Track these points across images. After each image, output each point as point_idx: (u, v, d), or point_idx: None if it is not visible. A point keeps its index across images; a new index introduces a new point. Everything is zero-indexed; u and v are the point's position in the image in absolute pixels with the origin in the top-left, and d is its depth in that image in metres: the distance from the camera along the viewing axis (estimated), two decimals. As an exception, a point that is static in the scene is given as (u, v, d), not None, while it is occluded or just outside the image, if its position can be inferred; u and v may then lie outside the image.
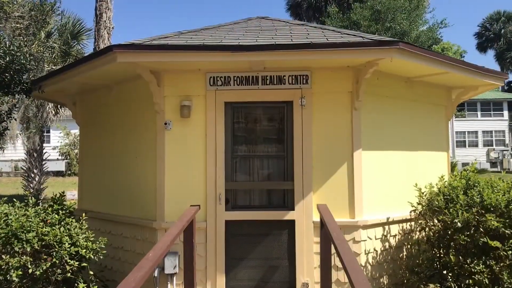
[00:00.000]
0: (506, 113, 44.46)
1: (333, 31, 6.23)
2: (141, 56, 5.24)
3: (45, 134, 33.83)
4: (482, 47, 55.91)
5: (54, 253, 5.04)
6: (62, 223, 5.37)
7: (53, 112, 17.93)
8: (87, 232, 5.49)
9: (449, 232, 5.30)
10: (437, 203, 5.44)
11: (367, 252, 5.83)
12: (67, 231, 5.28)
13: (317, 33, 5.94)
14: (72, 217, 5.85)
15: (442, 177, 5.89)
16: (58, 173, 31.76)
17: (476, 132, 43.31)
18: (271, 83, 5.81)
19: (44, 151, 18.77)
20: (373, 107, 6.04)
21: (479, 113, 43.59)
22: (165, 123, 5.78)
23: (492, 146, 43.41)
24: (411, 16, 19.28)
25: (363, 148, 5.83)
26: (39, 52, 9.72)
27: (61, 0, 10.43)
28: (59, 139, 33.38)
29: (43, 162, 18.79)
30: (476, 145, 43.12)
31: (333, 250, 5.10)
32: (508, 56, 52.23)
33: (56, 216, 5.37)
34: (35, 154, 18.54)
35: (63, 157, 33.25)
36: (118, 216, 6.51)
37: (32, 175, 18.46)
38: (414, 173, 6.56)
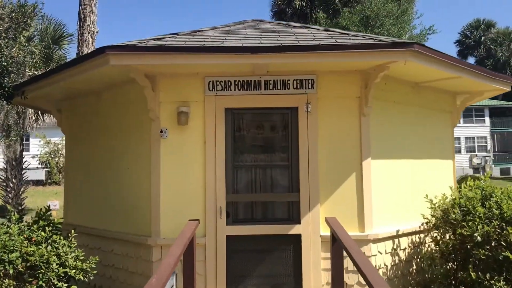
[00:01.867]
0: (487, 119, 45.01)
1: (339, 33, 5.90)
2: (137, 59, 4.82)
3: (24, 142, 32.77)
4: (463, 55, 56.58)
5: (40, 275, 4.56)
6: (49, 241, 4.88)
7: (33, 118, 17.31)
8: (76, 251, 5.03)
9: (468, 247, 4.97)
10: (453, 215, 5.11)
11: (377, 267, 5.47)
12: (55, 250, 4.81)
13: (322, 35, 5.60)
14: (60, 233, 5.38)
15: (457, 187, 5.58)
16: (38, 182, 30.90)
17: (459, 138, 43.62)
18: (274, 88, 5.45)
19: (23, 159, 18.11)
20: (382, 113, 5.72)
21: (461, 119, 43.86)
22: (161, 131, 5.35)
23: (475, 152, 43.83)
24: (399, 22, 19.20)
25: (372, 157, 5.50)
26: (20, 56, 9.20)
27: (43, 2, 9.92)
28: (38, 148, 32.50)
29: (23, 171, 18.12)
30: (459, 151, 43.42)
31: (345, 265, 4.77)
32: (488, 63, 52.93)
33: (43, 233, 4.89)
34: (14, 163, 17.86)
35: (43, 166, 32.34)
36: (109, 232, 6.04)
37: (11, 185, 17.75)
38: (423, 182, 6.25)
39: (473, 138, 44.35)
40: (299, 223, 5.38)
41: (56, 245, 4.86)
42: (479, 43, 54.88)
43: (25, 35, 14.44)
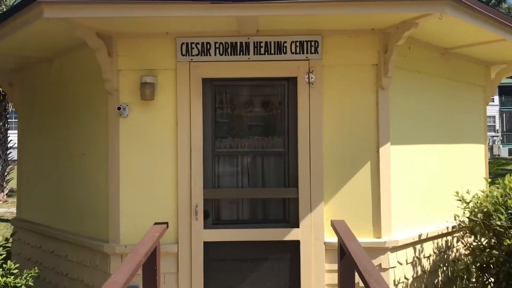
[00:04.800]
0: (496, 98, 43.62)
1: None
2: (79, 10, 3.56)
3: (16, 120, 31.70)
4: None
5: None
6: (-33, 252, 3.74)
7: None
8: (8, 262, 3.88)
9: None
10: (498, 221, 3.92)
11: (396, 282, 4.32)
12: (-25, 264, 3.67)
13: (330, -16, 4.33)
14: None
15: (500, 182, 4.38)
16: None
17: (466, 118, 42.32)
18: (267, 52, 4.20)
19: (9, 138, 17.01)
20: (404, 86, 4.50)
21: (469, 97, 42.55)
22: (119, 108, 4.13)
23: (483, 131, 42.56)
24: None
25: (392, 142, 4.28)
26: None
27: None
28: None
29: (8, 151, 17.03)
30: (467, 131, 42.15)
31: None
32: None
33: (-43, 242, 3.74)
34: (-3, 143, 16.81)
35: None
36: (62, 233, 4.88)
37: (-4, 166, 16.71)
38: (452, 172, 5.10)
39: (481, 117, 43.02)
40: (298, 226, 4.20)
41: (-22, 258, 3.72)
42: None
43: None
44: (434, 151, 4.91)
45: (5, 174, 17.03)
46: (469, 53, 5.22)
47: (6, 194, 17.01)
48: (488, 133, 38.74)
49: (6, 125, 17.22)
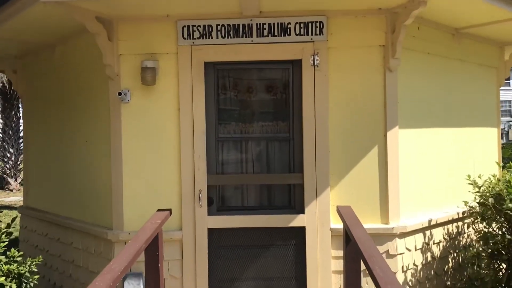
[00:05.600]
0: (512, 82, 42.71)
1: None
2: (76, -7, 3.50)
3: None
4: None
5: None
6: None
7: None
8: (12, 250, 3.87)
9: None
10: (509, 200, 3.80)
11: (405, 269, 4.23)
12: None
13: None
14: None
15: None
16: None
17: (481, 103, 41.60)
18: (270, 34, 4.08)
19: (21, 128, 17.11)
20: (412, 68, 4.36)
21: (485, 82, 41.80)
22: (119, 93, 4.06)
23: (498, 116, 41.80)
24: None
25: (400, 125, 4.16)
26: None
27: None
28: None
29: (20, 140, 17.14)
30: (482, 116, 41.45)
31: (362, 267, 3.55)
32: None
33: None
34: (10, 132, 16.93)
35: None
36: (67, 220, 4.87)
37: (8, 155, 16.85)
38: (462, 157, 4.95)
39: (497, 102, 42.24)
40: (303, 212, 4.11)
41: (-21, 245, 3.70)
42: None
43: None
44: (444, 135, 4.77)
45: (18, 163, 17.13)
46: (481, 33, 5.04)
47: (19, 183, 17.14)
48: (504, 118, 37.87)
49: (18, 114, 17.29)
